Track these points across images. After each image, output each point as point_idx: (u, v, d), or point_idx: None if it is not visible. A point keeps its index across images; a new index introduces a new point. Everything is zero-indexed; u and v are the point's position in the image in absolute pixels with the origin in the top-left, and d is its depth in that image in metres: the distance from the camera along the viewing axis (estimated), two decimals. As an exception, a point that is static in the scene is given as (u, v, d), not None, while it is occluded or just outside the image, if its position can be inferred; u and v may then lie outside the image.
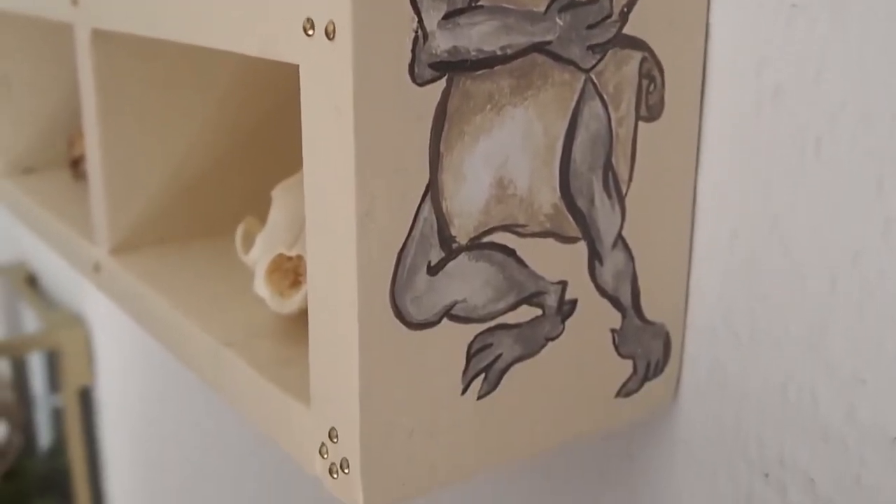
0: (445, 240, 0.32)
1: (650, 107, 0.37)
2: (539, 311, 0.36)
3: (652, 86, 0.36)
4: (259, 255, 0.42)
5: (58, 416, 1.66)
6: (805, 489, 0.37)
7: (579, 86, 0.34)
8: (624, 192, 0.37)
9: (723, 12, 0.37)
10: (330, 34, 0.29)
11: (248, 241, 0.45)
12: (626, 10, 0.35)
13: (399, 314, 0.32)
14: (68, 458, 1.42)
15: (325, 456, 0.34)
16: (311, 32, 0.30)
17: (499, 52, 0.32)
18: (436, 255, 0.32)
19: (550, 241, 0.35)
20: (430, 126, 0.31)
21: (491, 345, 0.35)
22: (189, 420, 1.03)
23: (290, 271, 0.42)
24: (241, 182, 0.54)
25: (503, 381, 0.35)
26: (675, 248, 0.39)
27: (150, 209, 0.52)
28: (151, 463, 1.19)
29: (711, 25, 0.38)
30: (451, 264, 0.33)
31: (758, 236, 0.37)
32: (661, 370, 0.40)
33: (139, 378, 1.16)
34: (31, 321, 1.64)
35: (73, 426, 1.38)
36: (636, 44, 0.36)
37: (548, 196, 0.35)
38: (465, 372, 0.34)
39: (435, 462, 0.34)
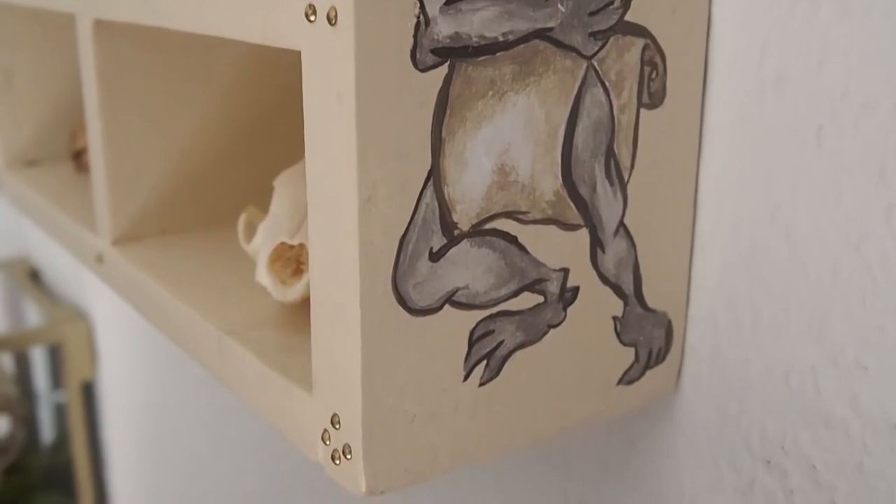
0: (447, 226, 0.32)
1: (652, 94, 0.37)
2: (541, 298, 0.36)
3: (654, 73, 0.36)
4: (261, 244, 0.43)
5: (60, 411, 1.66)
6: (807, 475, 0.37)
7: (581, 73, 0.34)
8: (626, 179, 0.37)
9: (725, 0, 0.37)
10: (332, 20, 0.29)
11: (250, 231, 0.45)
12: (627, -3, 0.35)
13: (401, 300, 0.32)
14: (71, 453, 1.42)
15: (328, 442, 0.34)
16: (312, 18, 0.30)
17: (500, 39, 0.32)
18: (438, 241, 0.32)
19: (552, 228, 0.35)
20: (431, 112, 0.31)
21: (493, 331, 0.35)
22: (192, 414, 1.03)
23: (292, 260, 0.42)
24: (242, 173, 0.55)
25: (505, 368, 0.35)
26: (677, 235, 0.39)
27: (152, 200, 0.52)
28: (154, 457, 1.20)
29: (713, 13, 0.38)
30: (452, 251, 0.33)
31: (759, 224, 0.37)
32: (663, 358, 0.40)
33: (142, 372, 1.16)
34: (33, 316, 1.64)
35: (75, 421, 1.39)
36: (638, 31, 0.36)
37: (550, 183, 0.35)
38: (467, 358, 0.34)
39: (437, 448, 0.34)
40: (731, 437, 0.40)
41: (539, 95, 0.33)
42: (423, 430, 0.34)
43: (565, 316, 0.37)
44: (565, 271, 0.36)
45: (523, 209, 0.34)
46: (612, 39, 0.35)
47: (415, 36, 0.30)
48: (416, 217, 0.32)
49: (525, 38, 0.32)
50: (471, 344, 0.34)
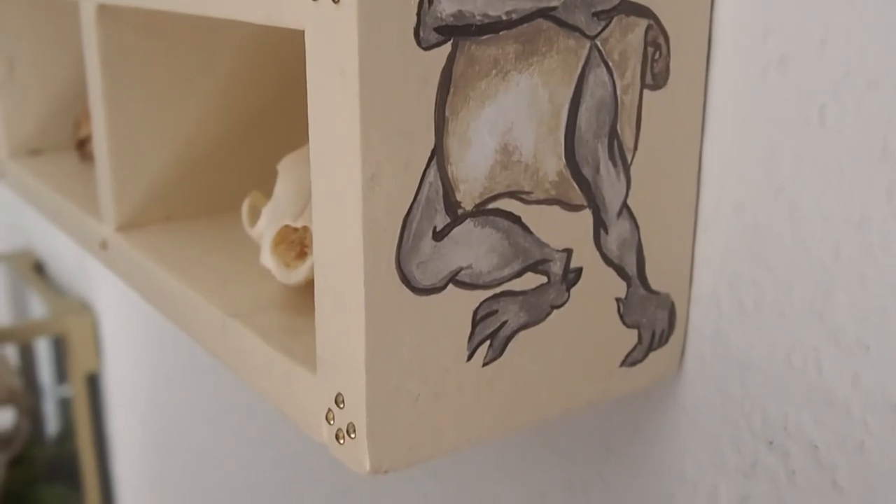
0: (451, 205, 0.32)
1: (655, 75, 0.37)
2: (544, 279, 0.36)
3: (657, 53, 0.36)
4: (265, 228, 0.43)
5: (65, 403, 1.66)
6: (809, 455, 0.37)
7: (584, 52, 0.34)
8: (629, 160, 0.37)
9: (728, -20, 0.37)
10: (335, -2, 0.29)
11: (254, 215, 0.45)
12: (630, -23, 0.35)
13: (405, 279, 0.32)
14: (76, 445, 1.42)
15: (332, 422, 0.34)
16: (316, -3, 0.30)
17: (504, 17, 0.32)
18: (441, 220, 0.32)
19: (556, 208, 0.35)
20: (435, 91, 0.31)
21: (496, 311, 0.35)
22: (197, 406, 1.03)
23: (295, 243, 0.42)
24: (246, 159, 0.55)
25: (508, 348, 0.35)
26: (680, 216, 0.39)
27: (156, 186, 0.52)
28: (159, 449, 1.20)
29: (716, -6, 0.38)
30: (456, 230, 0.33)
31: (762, 204, 0.37)
32: (666, 340, 0.41)
33: (147, 364, 1.16)
34: (38, 308, 1.64)
35: (80, 412, 1.39)
36: (641, 11, 0.36)
37: (553, 163, 0.35)
38: (470, 338, 0.34)
39: (440, 427, 0.34)
40: (734, 418, 0.40)
41: (542, 75, 0.33)
42: (426, 410, 0.34)
43: (568, 297, 0.37)
44: (569, 252, 0.36)
45: (527, 189, 0.34)
46: (615, 19, 0.35)
47: (418, 14, 0.30)
48: (419, 196, 0.32)
49: (528, 17, 0.32)
50: (474, 324, 0.34)
